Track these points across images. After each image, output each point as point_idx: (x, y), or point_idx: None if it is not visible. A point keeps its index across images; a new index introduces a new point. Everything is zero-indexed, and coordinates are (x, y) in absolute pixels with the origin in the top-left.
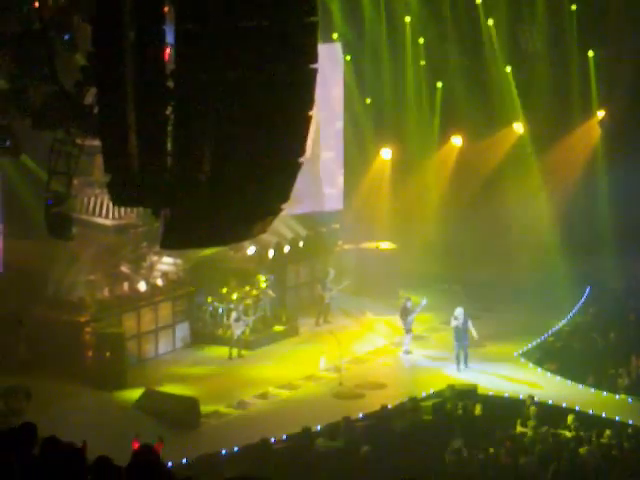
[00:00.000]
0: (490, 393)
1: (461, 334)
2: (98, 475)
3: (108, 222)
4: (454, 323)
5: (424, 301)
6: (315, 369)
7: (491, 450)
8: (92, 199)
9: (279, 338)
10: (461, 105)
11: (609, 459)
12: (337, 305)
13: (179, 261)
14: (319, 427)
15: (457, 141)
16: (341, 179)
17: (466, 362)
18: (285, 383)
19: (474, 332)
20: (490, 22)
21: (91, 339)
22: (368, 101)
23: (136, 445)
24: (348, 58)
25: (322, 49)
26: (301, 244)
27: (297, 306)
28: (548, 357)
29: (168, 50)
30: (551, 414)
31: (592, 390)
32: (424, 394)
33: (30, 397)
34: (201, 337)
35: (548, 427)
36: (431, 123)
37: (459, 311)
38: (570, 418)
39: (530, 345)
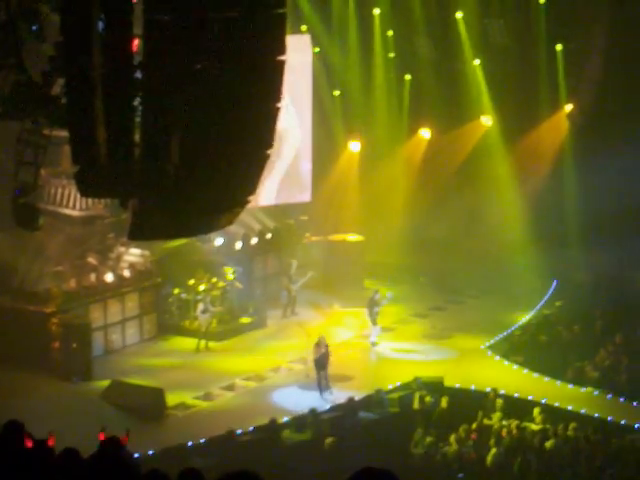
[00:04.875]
0: (457, 386)
1: (324, 363)
2: (64, 467)
3: (75, 213)
4: (318, 354)
5: (389, 294)
6: (282, 361)
7: (457, 443)
8: (59, 190)
9: (246, 330)
10: (429, 98)
11: (575, 451)
12: (304, 297)
13: (146, 252)
14: (286, 419)
15: (425, 134)
16: (309, 171)
17: (328, 388)
18: (252, 374)
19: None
20: (459, 15)
21: (57, 330)
22: (337, 93)
23: (102, 437)
24: (317, 50)
25: (291, 40)
26: (269, 236)
27: (265, 298)
28: (515, 350)
29: (136, 41)
30: (517, 407)
31: (558, 383)
32: (390, 386)
33: None
34: (168, 328)
35: (514, 420)
36: (400, 115)
37: (322, 340)
38: (536, 411)
39: (497, 338)
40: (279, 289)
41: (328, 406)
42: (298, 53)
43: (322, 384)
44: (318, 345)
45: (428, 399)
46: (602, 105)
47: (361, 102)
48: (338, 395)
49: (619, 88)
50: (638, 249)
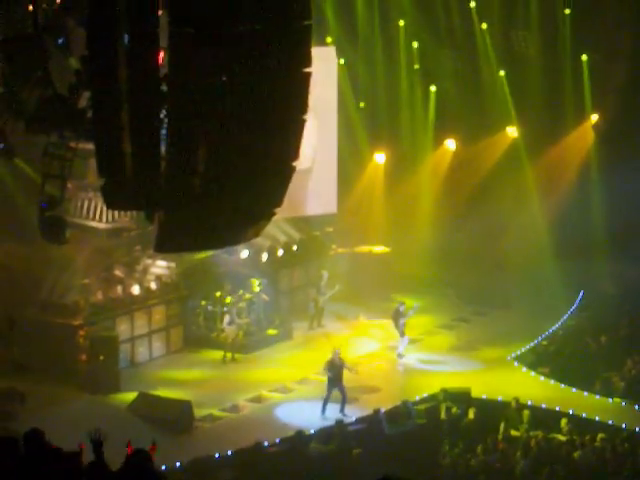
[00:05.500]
0: (483, 397)
1: (337, 382)
2: (91, 479)
3: (102, 225)
4: (331, 372)
5: (416, 305)
6: (309, 372)
7: (484, 454)
8: (86, 202)
9: (273, 342)
10: (455, 109)
11: (602, 463)
12: (331, 309)
13: (173, 264)
14: (312, 431)
15: (451, 145)
16: (335, 183)
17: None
18: (278, 386)
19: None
20: (484, 26)
21: (85, 342)
22: (362, 105)
23: (130, 449)
24: (342, 62)
25: (316, 52)
26: (295, 248)
27: (291, 310)
28: (541, 361)
29: (162, 54)
30: (544, 418)
31: (585, 394)
32: (417, 398)
33: (24, 400)
34: (195, 341)
35: (541, 431)
36: (425, 127)
37: (335, 355)
38: (563, 422)
39: (523, 349)
40: (305, 301)
41: (354, 418)
42: (323, 65)
43: (328, 400)
44: (332, 361)
45: (455, 410)
46: (628, 115)
47: (386, 114)
48: (364, 407)
49: None
50: None
